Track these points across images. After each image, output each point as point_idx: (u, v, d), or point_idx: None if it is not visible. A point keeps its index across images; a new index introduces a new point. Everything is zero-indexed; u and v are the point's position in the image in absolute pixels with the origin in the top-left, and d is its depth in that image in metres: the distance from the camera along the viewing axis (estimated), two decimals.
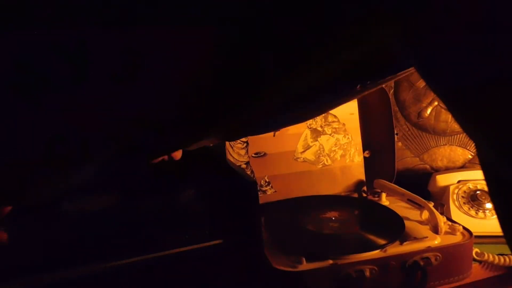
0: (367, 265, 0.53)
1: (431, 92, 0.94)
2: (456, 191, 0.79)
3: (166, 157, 0.54)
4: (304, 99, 0.42)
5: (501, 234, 0.24)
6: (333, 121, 0.86)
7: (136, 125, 0.38)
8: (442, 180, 0.85)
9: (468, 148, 0.97)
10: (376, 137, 0.88)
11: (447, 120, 0.95)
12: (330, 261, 0.53)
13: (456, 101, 0.22)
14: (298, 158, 0.84)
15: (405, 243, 0.57)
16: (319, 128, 0.85)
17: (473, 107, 0.21)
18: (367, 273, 0.53)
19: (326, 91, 0.41)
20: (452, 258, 0.57)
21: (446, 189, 0.82)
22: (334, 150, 0.86)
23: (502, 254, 0.62)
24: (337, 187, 0.86)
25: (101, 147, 0.40)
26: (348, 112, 0.87)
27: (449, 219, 0.65)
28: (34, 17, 0.25)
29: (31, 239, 0.45)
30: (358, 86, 0.40)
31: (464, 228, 0.62)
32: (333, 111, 0.86)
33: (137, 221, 0.49)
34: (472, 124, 0.22)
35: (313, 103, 0.44)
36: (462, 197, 0.78)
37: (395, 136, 0.85)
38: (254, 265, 0.53)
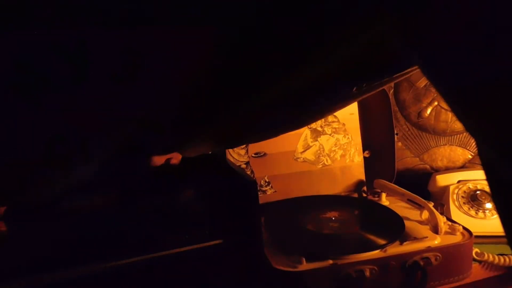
0: (367, 265, 0.53)
1: (431, 92, 0.94)
2: (456, 191, 0.79)
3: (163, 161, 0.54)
4: (304, 100, 0.42)
5: (501, 234, 0.24)
6: (333, 121, 0.86)
7: (136, 125, 0.38)
8: (442, 180, 0.85)
9: (468, 148, 0.97)
10: (376, 137, 0.88)
11: (447, 120, 0.95)
12: (330, 261, 0.53)
13: (457, 101, 0.22)
14: (298, 158, 0.84)
15: (405, 243, 0.57)
16: (319, 128, 0.85)
17: (473, 107, 0.21)
18: (367, 273, 0.53)
19: (325, 92, 0.41)
20: (452, 258, 0.57)
21: (446, 189, 0.82)
22: (334, 150, 0.86)
23: (502, 254, 0.62)
24: (337, 187, 0.86)
25: (101, 148, 0.40)
26: (348, 112, 0.87)
27: (449, 219, 0.65)
28: (34, 17, 0.25)
29: (31, 239, 0.45)
30: (354, 89, 0.40)
31: (464, 228, 0.62)
32: None
33: (137, 221, 0.49)
34: (473, 123, 0.22)
35: (312, 104, 0.44)
36: (462, 197, 0.78)
37: (395, 136, 0.85)
38: (254, 265, 0.53)
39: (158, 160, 0.55)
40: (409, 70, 0.39)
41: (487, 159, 0.25)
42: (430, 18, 0.21)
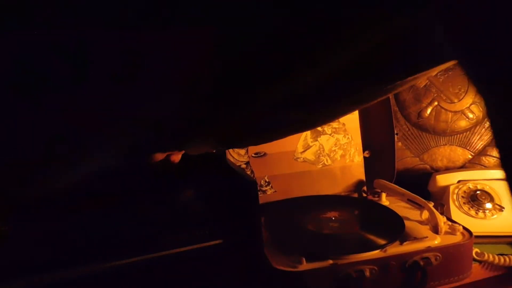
0: (367, 265, 0.53)
1: (431, 92, 0.94)
2: (456, 191, 0.79)
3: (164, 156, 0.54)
4: (304, 100, 0.42)
5: (501, 234, 0.24)
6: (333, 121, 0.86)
7: (136, 125, 0.38)
8: (442, 180, 0.85)
9: (468, 148, 0.97)
10: (376, 137, 0.88)
11: (447, 120, 0.95)
12: (330, 261, 0.53)
13: (477, 91, 0.22)
14: (298, 158, 0.84)
15: (405, 243, 0.57)
16: (319, 128, 0.85)
17: (487, 101, 0.21)
18: (367, 273, 0.53)
19: (326, 93, 0.41)
20: (452, 258, 0.57)
21: (446, 189, 0.81)
22: (334, 150, 0.86)
23: (502, 254, 0.62)
24: (337, 187, 0.86)
25: (101, 147, 0.40)
26: None
27: (449, 219, 0.65)
28: (34, 17, 0.25)
29: (31, 239, 0.45)
30: (364, 92, 0.40)
31: (464, 228, 0.62)
32: None
33: (137, 221, 0.49)
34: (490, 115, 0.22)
35: (313, 105, 0.44)
36: (462, 197, 0.78)
37: (395, 136, 0.85)
38: (254, 265, 0.53)
39: (159, 155, 0.55)
40: (416, 75, 0.39)
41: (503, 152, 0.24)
42: (429, 18, 0.21)
